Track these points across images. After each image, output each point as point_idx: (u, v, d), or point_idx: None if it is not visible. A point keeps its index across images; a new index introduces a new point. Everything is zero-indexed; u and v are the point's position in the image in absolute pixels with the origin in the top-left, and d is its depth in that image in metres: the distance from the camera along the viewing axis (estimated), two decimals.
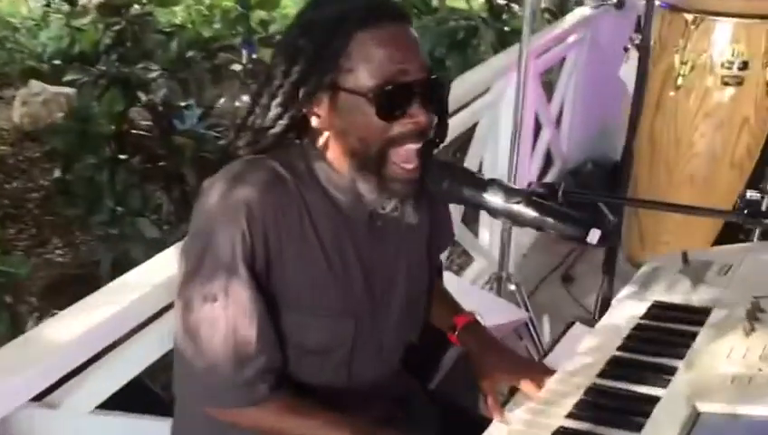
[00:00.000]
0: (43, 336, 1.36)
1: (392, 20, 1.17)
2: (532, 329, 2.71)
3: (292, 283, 1.20)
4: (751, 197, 2.64)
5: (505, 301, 2.70)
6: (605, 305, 2.44)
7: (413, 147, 1.18)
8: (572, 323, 1.60)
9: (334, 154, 1.22)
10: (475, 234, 3.34)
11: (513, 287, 2.83)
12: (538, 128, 3.72)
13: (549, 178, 4.11)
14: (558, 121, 4.13)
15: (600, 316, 2.45)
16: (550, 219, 1.15)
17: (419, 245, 1.41)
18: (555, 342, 1.55)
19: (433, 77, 1.19)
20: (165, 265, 1.55)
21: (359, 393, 1.32)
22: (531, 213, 1.16)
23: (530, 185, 1.22)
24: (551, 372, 1.30)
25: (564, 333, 1.57)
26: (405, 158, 1.18)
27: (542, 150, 3.89)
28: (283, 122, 1.20)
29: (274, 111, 1.20)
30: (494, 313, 2.40)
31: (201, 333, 1.15)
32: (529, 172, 3.61)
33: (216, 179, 1.19)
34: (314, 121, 1.20)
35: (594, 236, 1.11)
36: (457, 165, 1.27)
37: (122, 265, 3.79)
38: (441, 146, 1.27)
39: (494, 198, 1.19)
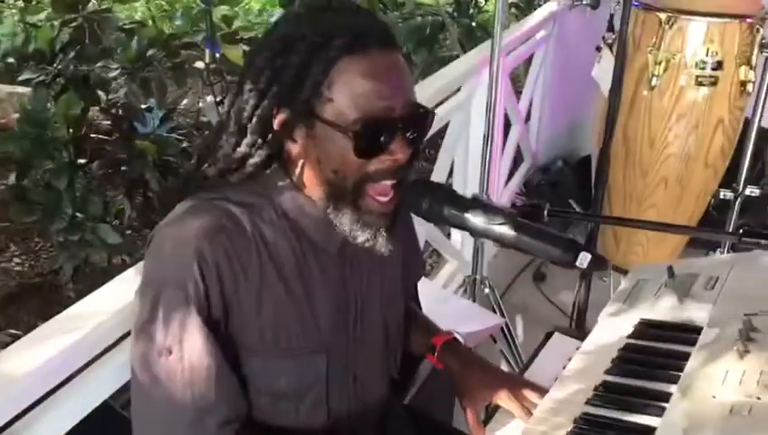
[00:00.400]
0: None
1: (381, 47, 1.08)
2: (507, 333, 2.69)
3: (255, 326, 1.15)
4: (724, 196, 2.67)
5: (481, 307, 2.67)
6: (582, 310, 2.42)
7: (390, 182, 1.12)
8: (551, 332, 1.56)
9: (308, 182, 1.15)
10: (447, 235, 3.30)
11: (487, 290, 2.80)
12: (507, 125, 3.70)
13: (519, 176, 4.12)
14: (526, 118, 4.11)
15: (578, 321, 2.46)
16: (536, 242, 1.10)
17: (394, 273, 1.37)
18: (535, 353, 1.51)
19: (418, 110, 1.13)
20: (123, 290, 1.46)
21: (339, 429, 1.28)
22: (515, 235, 1.11)
23: (514, 205, 1.15)
24: (533, 386, 1.27)
25: (544, 343, 1.54)
26: (381, 191, 1.12)
27: (512, 148, 3.87)
28: (262, 152, 1.13)
29: (250, 137, 1.13)
30: (470, 319, 2.38)
31: (160, 384, 1.10)
32: (500, 170, 3.59)
33: (165, 225, 1.13)
34: (290, 146, 1.13)
35: (584, 260, 1.05)
36: (437, 183, 1.21)
37: (84, 272, 3.69)
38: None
39: (475, 219, 1.13)
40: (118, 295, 1.44)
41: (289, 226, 1.16)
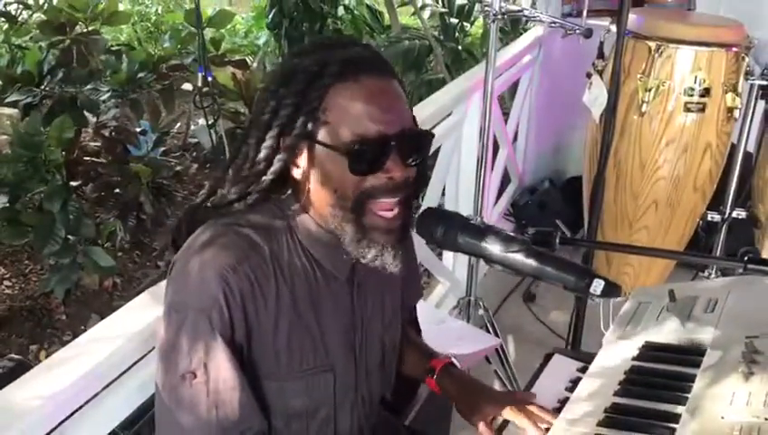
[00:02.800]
0: (12, 400, 1.27)
1: (372, 73, 1.14)
2: (501, 354, 2.73)
3: (272, 349, 1.19)
4: (712, 218, 2.74)
5: (477, 328, 2.70)
6: (578, 331, 2.46)
7: (389, 200, 1.16)
8: (551, 354, 1.59)
9: (315, 206, 1.20)
10: (438, 254, 3.34)
11: (481, 312, 2.84)
12: (495, 147, 3.76)
13: (506, 196, 4.17)
14: (513, 140, 4.18)
15: (574, 342, 2.50)
16: (550, 269, 1.13)
17: (394, 297, 1.42)
18: (536, 374, 1.54)
19: (413, 131, 1.18)
20: (138, 314, 1.48)
21: None
22: (530, 262, 1.14)
23: (524, 233, 1.19)
24: (533, 402, 1.31)
25: (544, 364, 1.56)
26: (384, 207, 1.16)
27: (501, 170, 3.93)
28: (267, 178, 1.18)
29: (257, 167, 1.17)
30: (466, 341, 2.41)
31: (184, 408, 1.13)
32: (489, 192, 3.64)
33: (189, 251, 1.17)
34: (296, 173, 1.18)
35: (598, 287, 1.09)
36: (451, 211, 1.24)
37: (75, 295, 3.68)
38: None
39: (491, 247, 1.16)
40: (132, 320, 1.47)
41: (302, 250, 1.21)
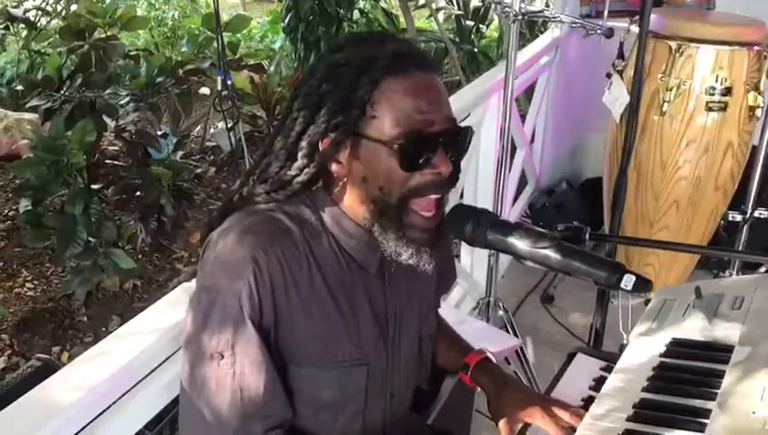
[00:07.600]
0: (45, 397, 1.29)
1: (420, 68, 1.14)
2: (521, 355, 2.73)
3: (303, 337, 1.19)
4: (733, 218, 2.72)
5: (497, 329, 2.70)
6: (599, 331, 2.46)
7: (434, 197, 1.17)
8: (574, 353, 1.59)
9: (351, 201, 1.20)
10: (456, 255, 3.34)
11: (501, 313, 2.84)
12: (512, 149, 3.76)
13: (523, 199, 4.17)
14: (530, 142, 4.18)
15: (595, 342, 2.50)
16: (581, 265, 1.13)
17: (429, 288, 1.42)
18: (560, 373, 1.54)
19: (456, 125, 1.18)
20: (169, 311, 1.50)
21: None
22: (560, 258, 1.14)
23: (554, 228, 1.19)
24: (563, 404, 1.29)
25: (567, 364, 1.57)
26: (425, 206, 1.17)
27: (518, 172, 3.93)
28: (309, 171, 1.18)
29: (301, 161, 1.17)
30: (487, 341, 2.41)
31: (208, 391, 1.14)
32: (507, 195, 3.65)
33: (221, 234, 1.17)
34: (335, 168, 1.18)
35: (629, 282, 1.09)
36: (481, 208, 1.24)
37: (96, 297, 3.71)
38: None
39: (520, 243, 1.17)
40: (162, 317, 1.48)
41: (333, 241, 1.21)
